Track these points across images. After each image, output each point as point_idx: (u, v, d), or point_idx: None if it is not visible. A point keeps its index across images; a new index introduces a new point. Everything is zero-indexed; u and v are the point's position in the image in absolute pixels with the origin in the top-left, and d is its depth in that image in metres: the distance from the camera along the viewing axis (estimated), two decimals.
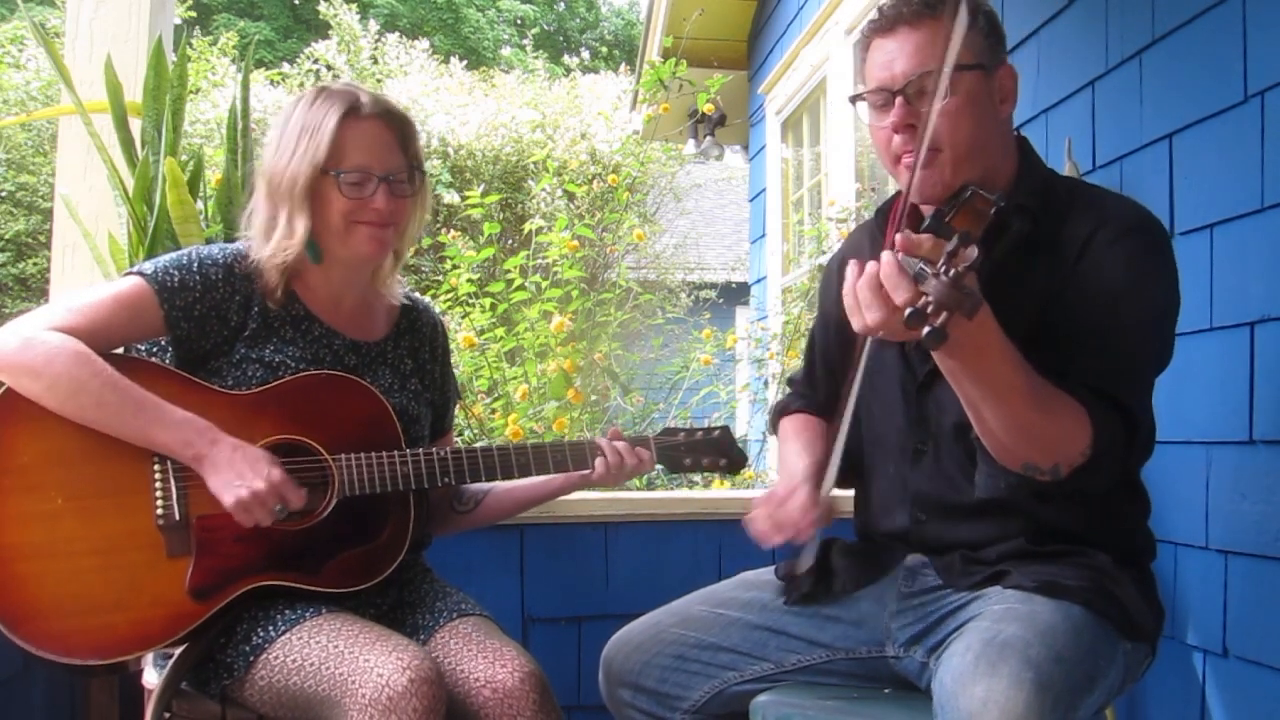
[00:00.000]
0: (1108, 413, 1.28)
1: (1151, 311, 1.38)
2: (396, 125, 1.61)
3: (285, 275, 1.59)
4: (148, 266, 1.55)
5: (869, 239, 1.65)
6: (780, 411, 1.79)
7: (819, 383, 1.73)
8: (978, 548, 1.46)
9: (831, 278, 1.72)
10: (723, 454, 1.81)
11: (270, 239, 1.57)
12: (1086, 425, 1.27)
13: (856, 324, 1.18)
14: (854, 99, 1.47)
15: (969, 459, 1.40)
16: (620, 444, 1.73)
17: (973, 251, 1.09)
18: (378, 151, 1.57)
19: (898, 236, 1.14)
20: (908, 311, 1.08)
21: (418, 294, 1.83)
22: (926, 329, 1.06)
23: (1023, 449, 1.28)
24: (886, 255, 1.12)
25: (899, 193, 1.59)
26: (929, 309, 1.07)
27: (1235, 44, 1.83)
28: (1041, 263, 1.39)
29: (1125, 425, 1.31)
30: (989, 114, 1.42)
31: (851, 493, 1.67)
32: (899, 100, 1.38)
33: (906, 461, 1.51)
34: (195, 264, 1.56)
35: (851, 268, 1.17)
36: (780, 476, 1.61)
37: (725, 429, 1.83)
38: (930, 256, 1.11)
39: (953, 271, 1.07)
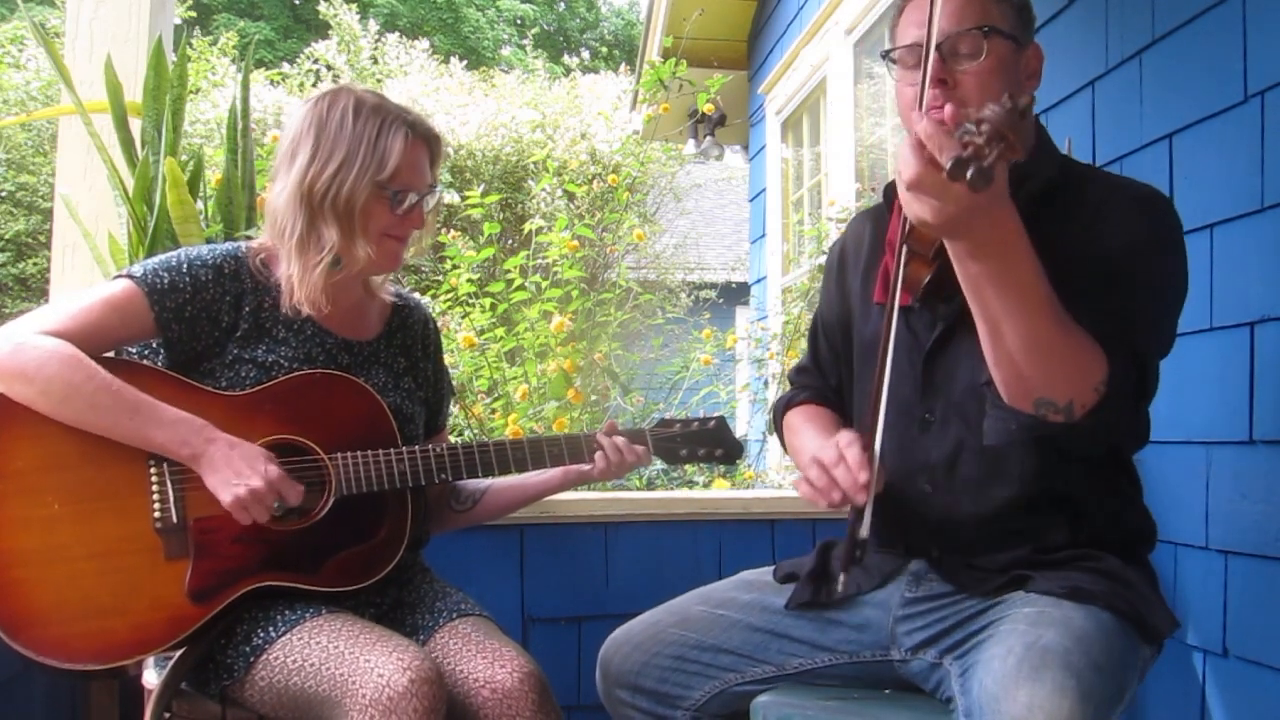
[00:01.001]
0: (1120, 352, 1.28)
1: (1161, 276, 1.39)
2: (432, 145, 1.64)
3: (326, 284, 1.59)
4: (137, 269, 1.55)
5: (872, 222, 1.66)
6: (784, 406, 1.75)
7: (827, 368, 1.72)
8: (979, 530, 1.45)
9: (832, 268, 1.72)
10: (719, 444, 1.81)
11: (313, 253, 1.56)
12: (1102, 358, 1.26)
13: (911, 216, 1.18)
14: (885, 54, 1.50)
15: (977, 427, 1.40)
16: (617, 438, 1.73)
17: (1026, 97, 1.09)
18: (421, 171, 1.62)
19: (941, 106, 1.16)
20: (950, 161, 1.06)
21: (408, 291, 1.83)
22: (972, 169, 1.05)
23: (1041, 376, 1.25)
24: (923, 119, 1.14)
25: None
26: (981, 141, 1.06)
27: (1235, 44, 1.83)
28: (1056, 227, 1.39)
29: (1135, 370, 1.31)
30: (1016, 85, 1.44)
31: None
32: (934, 55, 1.39)
33: (914, 431, 1.50)
34: (185, 265, 1.55)
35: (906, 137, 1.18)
36: (803, 458, 1.54)
37: (721, 419, 1.82)
38: (973, 115, 1.11)
39: (1011, 103, 1.07)
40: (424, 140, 1.62)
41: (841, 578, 1.40)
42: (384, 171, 1.55)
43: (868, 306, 1.58)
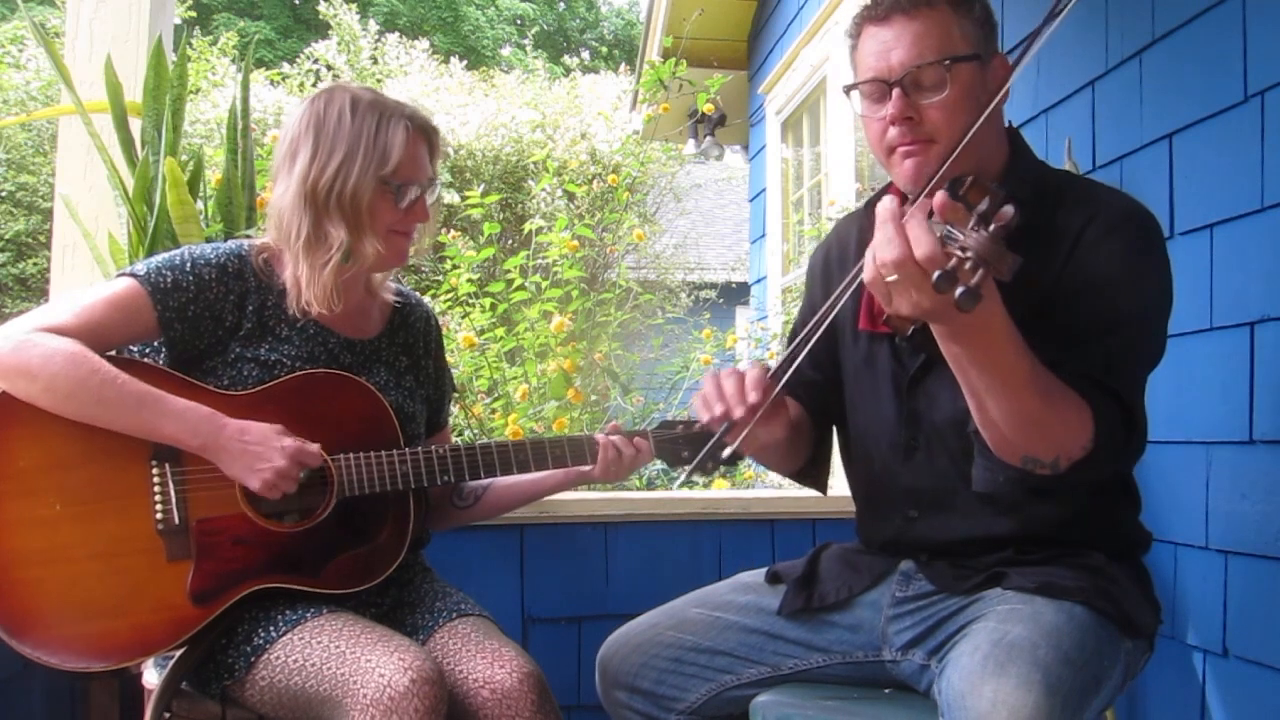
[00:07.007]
0: (1108, 405, 1.27)
1: (1144, 305, 1.37)
2: (431, 137, 1.64)
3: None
4: (140, 268, 1.54)
5: (856, 230, 1.64)
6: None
7: (802, 368, 1.71)
8: (969, 547, 1.45)
9: (815, 268, 1.71)
10: (721, 446, 1.80)
11: (322, 252, 1.56)
12: (1089, 418, 1.25)
13: (885, 303, 1.14)
14: (848, 89, 1.45)
15: (962, 454, 1.38)
16: (618, 438, 1.73)
17: (1010, 210, 1.05)
18: (422, 163, 1.62)
19: (936, 198, 1.10)
20: (937, 275, 1.04)
21: (409, 289, 1.83)
22: (960, 289, 1.02)
23: (1025, 441, 1.25)
24: (911, 222, 1.09)
25: (889, 184, 1.58)
26: (965, 266, 1.03)
27: (1235, 44, 1.83)
28: (1033, 255, 1.36)
29: (1124, 418, 1.30)
30: (984, 105, 1.39)
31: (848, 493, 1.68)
32: (896, 92, 1.36)
33: (898, 458, 1.50)
34: (188, 264, 1.55)
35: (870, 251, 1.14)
36: None
37: None
38: (958, 219, 1.07)
39: (993, 226, 1.04)
40: (423, 133, 1.62)
41: (681, 478, 1.37)
42: (387, 165, 1.55)
43: (855, 331, 1.55)
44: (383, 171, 1.55)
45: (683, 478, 1.34)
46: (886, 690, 1.52)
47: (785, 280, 5.07)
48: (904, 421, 1.49)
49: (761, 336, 4.27)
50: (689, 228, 10.31)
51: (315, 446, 1.52)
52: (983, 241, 1.03)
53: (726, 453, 1.32)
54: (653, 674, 1.55)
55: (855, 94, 1.43)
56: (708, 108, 4.60)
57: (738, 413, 1.33)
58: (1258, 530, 1.77)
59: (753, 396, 1.33)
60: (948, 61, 1.35)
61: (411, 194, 1.60)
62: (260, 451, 1.47)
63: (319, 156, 1.55)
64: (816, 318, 1.37)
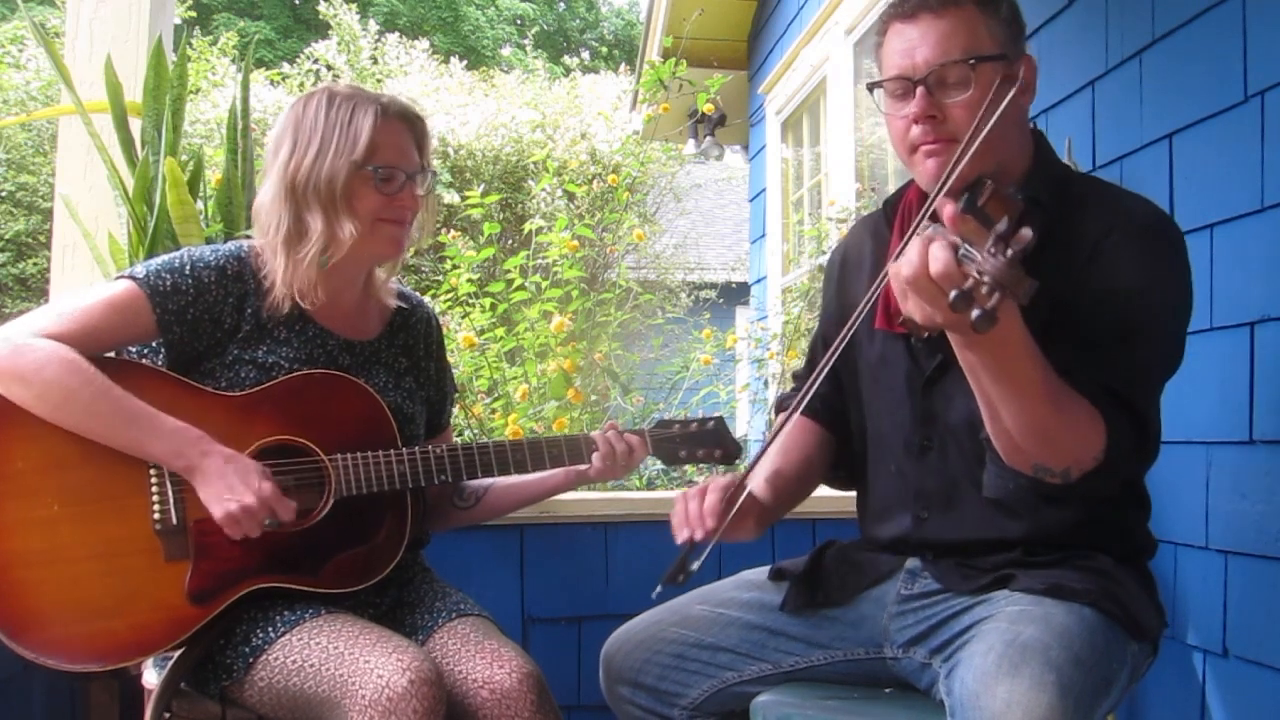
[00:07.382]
0: (1121, 416, 1.27)
1: (1164, 314, 1.36)
2: (413, 126, 1.63)
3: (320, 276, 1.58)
4: (139, 270, 1.54)
5: (872, 233, 1.64)
6: (780, 404, 1.77)
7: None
8: (977, 548, 1.45)
9: (832, 273, 1.71)
10: (718, 445, 1.80)
11: (301, 244, 1.55)
12: (1101, 429, 1.24)
13: (906, 309, 1.14)
14: (871, 86, 1.44)
15: (976, 456, 1.38)
16: (612, 434, 1.73)
17: (1028, 233, 1.04)
18: (404, 150, 1.60)
19: (946, 209, 1.10)
20: (953, 294, 1.03)
21: (411, 290, 1.83)
22: (976, 312, 1.02)
23: (1036, 450, 1.25)
24: (934, 237, 1.08)
25: (907, 185, 1.57)
26: (982, 289, 1.02)
27: (1235, 44, 1.83)
28: (1053, 260, 1.35)
29: (1136, 429, 1.29)
30: (1009, 105, 1.38)
31: (852, 493, 1.68)
32: (920, 90, 1.36)
33: (911, 458, 1.49)
34: (187, 267, 1.55)
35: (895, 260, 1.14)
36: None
37: (719, 420, 1.82)
38: (975, 238, 1.07)
39: (1010, 251, 1.03)
40: (401, 119, 1.61)
41: (658, 588, 1.44)
42: (357, 150, 1.54)
43: (870, 330, 1.55)
44: (354, 156, 1.54)
45: (659, 589, 1.45)
46: (887, 690, 1.52)
47: (785, 280, 5.07)
48: (919, 421, 1.48)
49: (761, 336, 4.27)
50: (689, 228, 10.32)
51: (293, 504, 1.50)
52: (1000, 267, 1.02)
53: (694, 566, 1.40)
54: (656, 670, 1.55)
55: (879, 91, 1.43)
56: (708, 108, 4.59)
57: (699, 535, 1.40)
58: (1258, 530, 1.77)
59: (709, 523, 1.40)
60: (973, 60, 1.35)
61: (396, 180, 1.58)
62: (234, 484, 1.45)
63: (297, 151, 1.55)
64: (834, 347, 1.36)
